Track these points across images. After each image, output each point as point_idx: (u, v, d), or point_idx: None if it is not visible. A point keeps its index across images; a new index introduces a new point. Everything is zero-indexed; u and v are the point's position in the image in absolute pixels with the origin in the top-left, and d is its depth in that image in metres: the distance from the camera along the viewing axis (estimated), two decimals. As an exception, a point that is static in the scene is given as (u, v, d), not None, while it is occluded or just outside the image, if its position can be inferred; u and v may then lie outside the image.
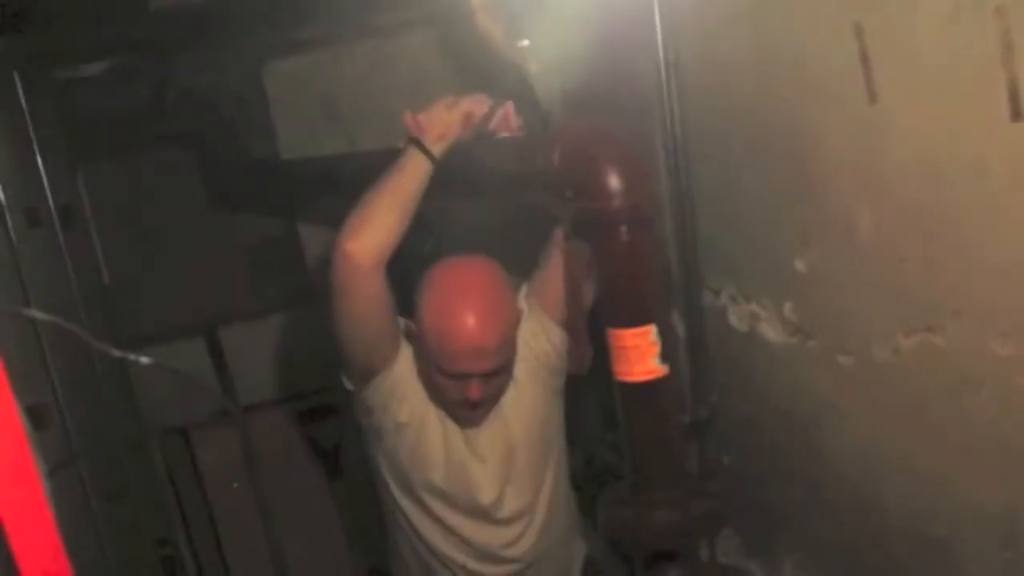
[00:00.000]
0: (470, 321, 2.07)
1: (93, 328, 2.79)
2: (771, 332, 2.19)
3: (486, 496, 2.32)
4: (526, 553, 2.39)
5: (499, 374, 2.18)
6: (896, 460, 1.89)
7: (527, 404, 2.33)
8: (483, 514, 2.34)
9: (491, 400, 2.23)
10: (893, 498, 1.93)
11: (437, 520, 2.34)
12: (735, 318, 2.31)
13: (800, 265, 2.02)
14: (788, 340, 2.13)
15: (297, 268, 3.32)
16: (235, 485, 3.21)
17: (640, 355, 1.54)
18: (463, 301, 2.09)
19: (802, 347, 2.09)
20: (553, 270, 2.27)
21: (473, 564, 2.38)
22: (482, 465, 2.31)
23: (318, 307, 3.22)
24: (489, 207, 2.67)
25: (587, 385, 2.49)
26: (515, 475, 2.34)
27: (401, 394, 2.24)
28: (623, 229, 1.53)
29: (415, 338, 2.20)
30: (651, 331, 1.54)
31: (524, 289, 2.34)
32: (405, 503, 2.36)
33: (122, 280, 3.17)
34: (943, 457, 1.78)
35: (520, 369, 2.29)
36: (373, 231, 2.03)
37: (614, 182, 1.53)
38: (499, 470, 2.32)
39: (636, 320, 1.54)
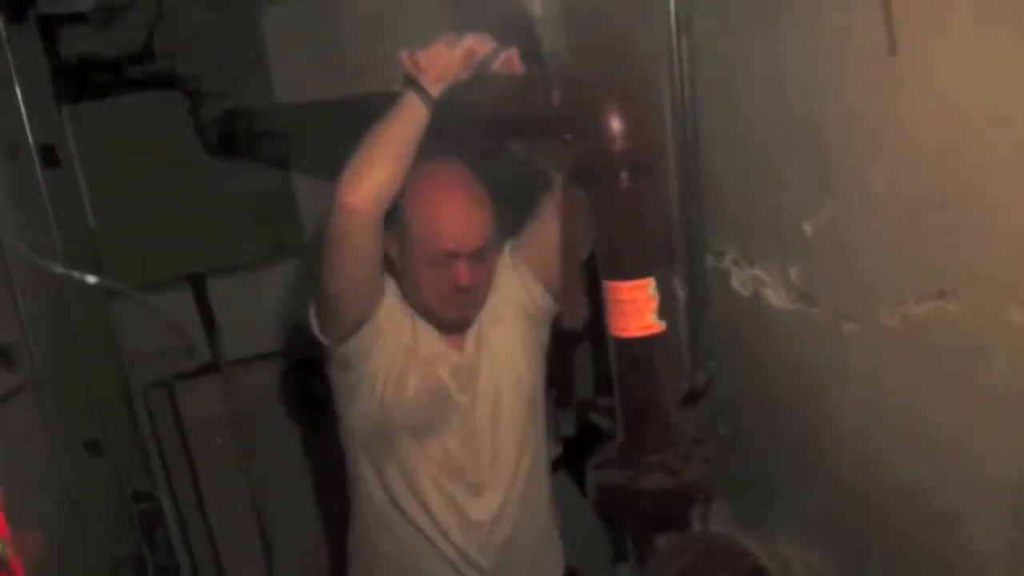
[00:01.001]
0: (457, 197, 2.11)
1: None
2: (775, 297, 2.11)
3: (469, 440, 2.27)
4: (501, 522, 2.33)
5: (483, 260, 2.19)
6: (902, 431, 1.81)
7: (514, 345, 2.32)
8: (461, 468, 2.28)
9: (476, 298, 2.23)
10: (897, 471, 1.85)
11: (414, 483, 2.27)
12: (738, 282, 2.24)
13: (808, 228, 1.94)
14: (792, 306, 2.06)
15: (290, 219, 3.25)
16: (219, 440, 3.16)
17: (637, 309, 1.47)
18: (447, 186, 2.13)
19: (806, 313, 2.01)
20: (541, 227, 2.25)
21: (451, 532, 2.30)
22: (469, 403, 2.27)
23: (310, 259, 3.20)
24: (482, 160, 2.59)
25: (579, 347, 2.44)
26: (499, 426, 2.30)
27: (385, 335, 2.20)
28: (624, 174, 1.45)
29: (401, 243, 2.19)
30: (649, 284, 1.46)
31: (508, 245, 2.33)
32: (377, 469, 2.30)
33: (108, 226, 3.08)
34: (952, 428, 1.70)
35: (506, 312, 2.30)
36: (373, 182, 1.97)
37: (615, 124, 1.44)
38: (484, 413, 2.28)
39: (634, 272, 1.46)
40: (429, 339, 2.26)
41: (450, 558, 2.31)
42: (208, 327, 3.19)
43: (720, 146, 2.18)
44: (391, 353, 2.21)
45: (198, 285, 3.19)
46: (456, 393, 2.26)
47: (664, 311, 1.47)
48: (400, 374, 2.21)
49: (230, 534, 3.22)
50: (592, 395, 2.89)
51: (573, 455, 2.45)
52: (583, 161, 1.49)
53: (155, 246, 3.13)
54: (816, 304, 1.98)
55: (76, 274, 1.18)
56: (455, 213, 2.13)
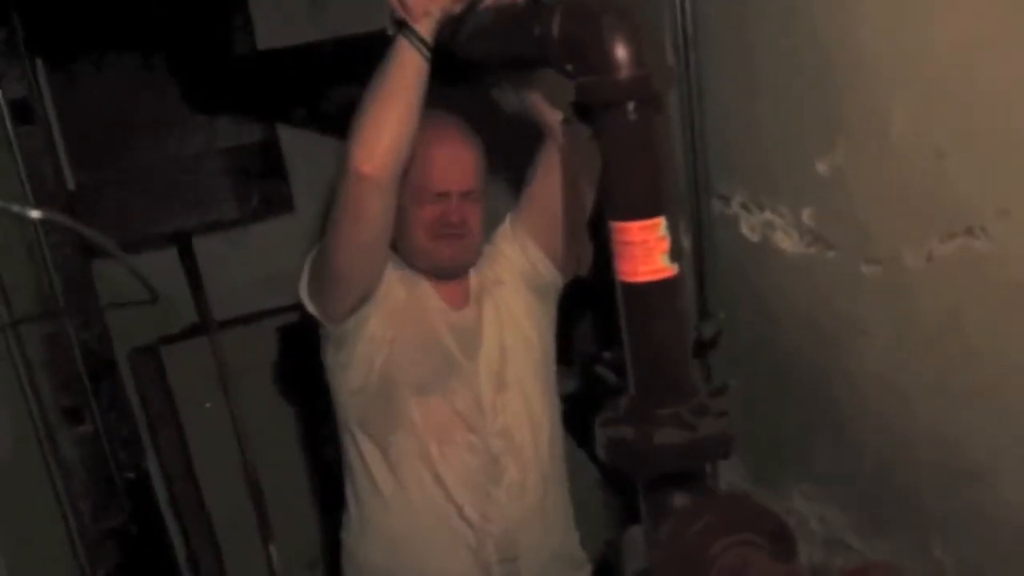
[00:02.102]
0: (446, 140, 2.09)
1: (55, 235, 2.62)
2: (787, 242, 2.02)
3: (476, 406, 2.16)
4: (519, 495, 2.20)
5: (474, 202, 2.15)
6: (928, 381, 1.72)
7: (519, 310, 2.23)
8: (472, 434, 2.16)
9: (468, 238, 2.16)
10: (922, 423, 1.76)
11: (423, 453, 2.15)
12: (746, 228, 2.15)
13: (822, 167, 1.85)
14: (806, 251, 1.97)
15: (278, 174, 3.12)
16: (208, 405, 3.06)
17: (647, 252, 1.35)
18: (437, 129, 2.07)
19: (822, 257, 1.92)
20: (541, 184, 2.17)
21: (466, 508, 2.17)
22: (472, 366, 2.17)
23: (300, 216, 3.10)
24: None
25: (582, 301, 2.34)
26: (507, 393, 2.19)
27: (380, 300, 2.10)
28: (630, 106, 1.33)
29: None
30: (660, 224, 1.34)
31: (509, 216, 2.27)
32: (381, 444, 2.17)
33: (88, 186, 2.96)
34: (982, 375, 1.61)
35: (509, 277, 2.23)
36: (386, 144, 1.84)
37: (620, 52, 1.33)
38: (488, 378, 2.17)
39: (643, 211, 1.34)
40: (424, 294, 2.17)
41: (464, 536, 2.17)
42: (195, 288, 3.08)
43: (725, 81, 2.08)
44: (386, 316, 2.11)
45: (184, 245, 3.09)
46: (457, 353, 2.16)
47: (675, 249, 1.36)
48: (396, 332, 2.12)
49: (222, 502, 3.13)
50: (595, 349, 2.80)
51: (575, 413, 2.35)
52: (586, 93, 1.37)
53: (138, 205, 3.01)
54: (832, 247, 1.89)
55: (32, 210, 1.08)
56: (445, 155, 2.09)
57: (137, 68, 2.98)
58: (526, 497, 2.20)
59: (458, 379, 2.15)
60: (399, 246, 2.14)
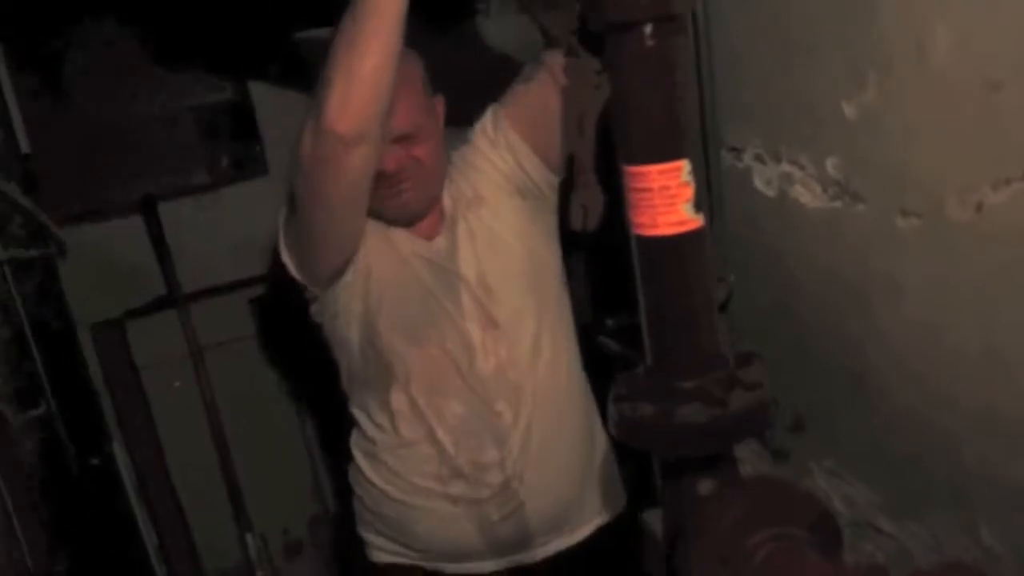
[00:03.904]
0: None
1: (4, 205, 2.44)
2: (808, 196, 1.86)
3: (466, 347, 2.03)
4: (519, 437, 2.06)
5: (414, 144, 1.94)
6: (976, 344, 1.56)
7: (502, 227, 2.08)
8: (461, 370, 2.04)
9: (414, 184, 1.98)
10: (967, 392, 1.60)
11: (414, 407, 2.04)
12: (761, 182, 1.98)
13: (850, 109, 1.68)
14: (830, 204, 1.80)
15: (250, 134, 3.00)
16: (177, 384, 2.95)
17: (668, 200, 1.18)
18: None
19: (849, 212, 1.75)
20: (537, 87, 1.99)
21: (460, 457, 2.04)
22: (457, 308, 2.03)
23: (274, 180, 2.94)
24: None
25: (581, 260, 2.17)
26: (495, 318, 2.05)
27: (365, 248, 1.98)
28: (647, 29, 1.15)
29: None
30: (683, 168, 1.17)
31: (490, 110, 2.08)
32: (382, 399, 2.07)
33: (46, 149, 2.79)
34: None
35: (489, 191, 2.07)
36: (364, 99, 1.65)
37: (635, -35, 1.15)
38: (473, 304, 2.04)
39: (664, 153, 1.17)
40: (400, 236, 2.04)
41: (461, 494, 2.06)
42: (162, 258, 2.93)
43: (736, 10, 1.90)
44: (361, 258, 1.99)
45: (149, 211, 2.92)
46: (435, 288, 2.03)
47: (699, 203, 1.18)
48: (371, 271, 2.00)
49: (194, 488, 3.04)
50: (595, 316, 2.63)
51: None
52: (596, 14, 1.19)
53: (99, 170, 2.88)
54: (861, 200, 1.73)
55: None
56: None
57: (95, 22, 2.84)
58: (528, 444, 2.06)
59: (443, 317, 2.03)
60: None
